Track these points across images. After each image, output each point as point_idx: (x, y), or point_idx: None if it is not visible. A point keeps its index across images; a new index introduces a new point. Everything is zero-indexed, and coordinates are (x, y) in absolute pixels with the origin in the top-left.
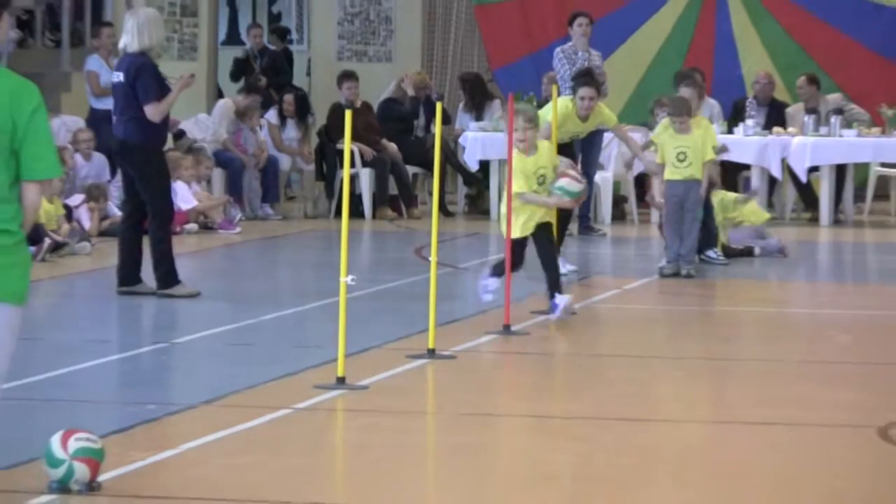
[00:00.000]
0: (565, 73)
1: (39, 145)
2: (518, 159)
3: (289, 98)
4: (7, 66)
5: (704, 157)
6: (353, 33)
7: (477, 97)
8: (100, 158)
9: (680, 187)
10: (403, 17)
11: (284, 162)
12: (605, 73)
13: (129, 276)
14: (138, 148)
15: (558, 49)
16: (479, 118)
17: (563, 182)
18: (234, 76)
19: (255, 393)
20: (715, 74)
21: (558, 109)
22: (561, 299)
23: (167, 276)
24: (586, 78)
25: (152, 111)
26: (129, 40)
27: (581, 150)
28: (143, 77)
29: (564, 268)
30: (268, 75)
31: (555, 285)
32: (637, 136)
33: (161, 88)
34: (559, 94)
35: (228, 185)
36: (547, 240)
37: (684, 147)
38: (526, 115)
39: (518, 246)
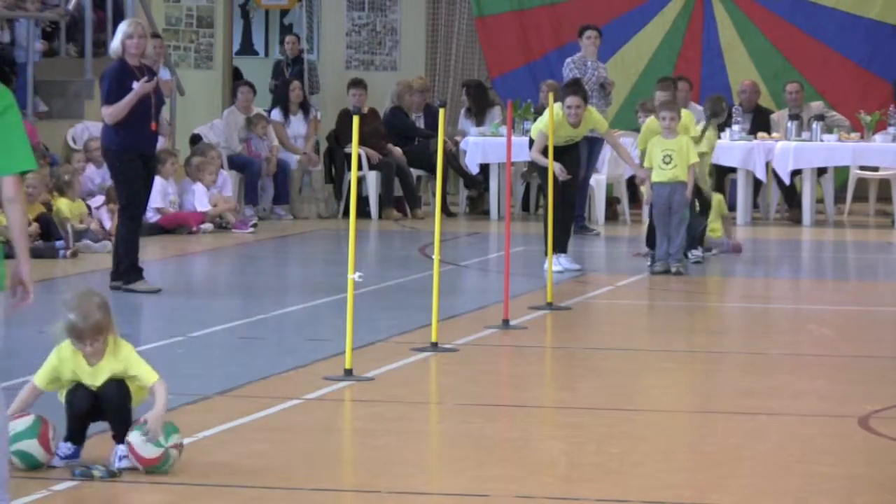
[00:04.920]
0: None
1: (11, 141)
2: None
3: (297, 84)
4: (34, 75)
5: (689, 160)
6: (360, 43)
7: (480, 103)
8: None
9: (666, 189)
10: (408, 29)
11: (294, 163)
12: (613, 83)
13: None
14: (107, 150)
15: (568, 59)
16: (480, 123)
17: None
18: (274, 77)
19: (267, 384)
20: (703, 83)
21: (554, 114)
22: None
23: (129, 271)
24: (573, 87)
25: (104, 113)
26: None
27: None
28: (104, 81)
29: (561, 265)
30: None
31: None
32: (627, 141)
33: (119, 93)
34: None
35: (245, 187)
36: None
37: (670, 150)
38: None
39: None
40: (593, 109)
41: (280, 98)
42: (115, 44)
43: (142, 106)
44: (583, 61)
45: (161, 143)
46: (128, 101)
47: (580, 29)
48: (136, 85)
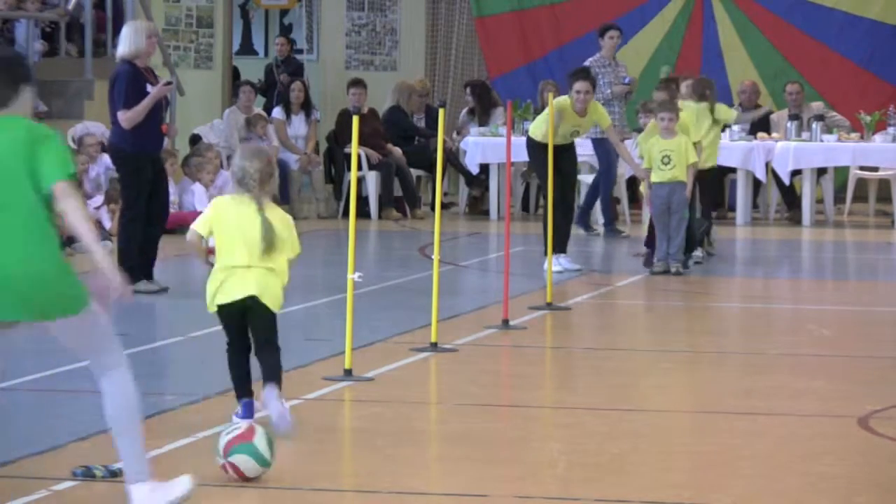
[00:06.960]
0: (601, 82)
1: (54, 153)
2: None
3: (298, 85)
4: (34, 75)
5: (688, 160)
6: (360, 44)
7: (484, 103)
8: (105, 158)
9: (665, 189)
10: (408, 29)
11: (292, 162)
12: (636, 81)
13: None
14: (116, 151)
15: (589, 60)
16: (483, 123)
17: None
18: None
19: None
20: None
21: (556, 106)
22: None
23: (130, 272)
24: (582, 73)
25: (122, 117)
26: (118, 50)
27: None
28: (117, 85)
29: (561, 265)
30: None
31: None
32: (628, 141)
33: (135, 96)
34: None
35: None
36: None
37: (668, 150)
38: None
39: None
40: (598, 104)
41: (281, 97)
42: (137, 44)
43: (154, 108)
44: (602, 62)
45: (164, 143)
46: (146, 104)
47: (601, 29)
48: (149, 88)
